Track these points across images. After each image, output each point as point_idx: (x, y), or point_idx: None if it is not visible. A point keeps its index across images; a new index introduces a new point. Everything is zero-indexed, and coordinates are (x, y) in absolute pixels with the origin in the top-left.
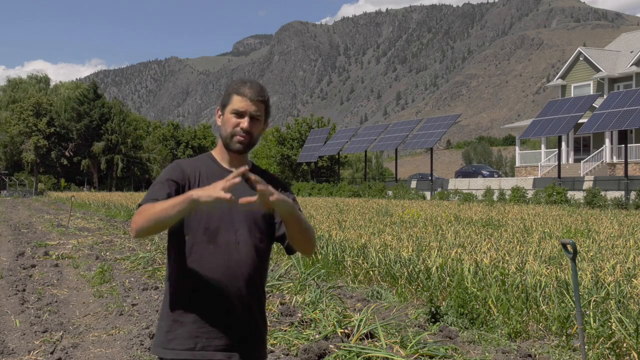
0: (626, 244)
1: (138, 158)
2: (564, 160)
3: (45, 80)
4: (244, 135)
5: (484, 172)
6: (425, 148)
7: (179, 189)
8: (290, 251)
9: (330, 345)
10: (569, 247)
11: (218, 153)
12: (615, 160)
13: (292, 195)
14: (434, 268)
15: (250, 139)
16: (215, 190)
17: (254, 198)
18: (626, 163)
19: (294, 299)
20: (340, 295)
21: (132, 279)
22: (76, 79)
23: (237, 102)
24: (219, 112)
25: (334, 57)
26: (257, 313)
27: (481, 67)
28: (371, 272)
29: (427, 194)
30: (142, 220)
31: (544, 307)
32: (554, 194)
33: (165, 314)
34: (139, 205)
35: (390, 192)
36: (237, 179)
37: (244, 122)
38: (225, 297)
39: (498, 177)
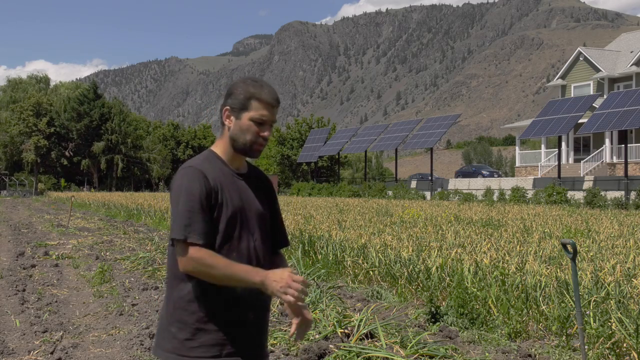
0: (626, 244)
1: (138, 158)
2: (564, 160)
3: (45, 80)
4: (264, 143)
5: (484, 172)
6: (425, 148)
7: (209, 202)
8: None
9: (330, 345)
10: (569, 247)
11: (224, 153)
12: (615, 160)
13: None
14: (434, 268)
15: (265, 145)
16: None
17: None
18: (626, 163)
19: None
20: (340, 295)
21: (132, 279)
22: (76, 79)
23: (259, 110)
24: (228, 113)
25: (334, 57)
26: (269, 314)
27: (481, 67)
28: (371, 272)
29: (427, 194)
30: (197, 271)
31: (544, 307)
32: (554, 194)
33: (182, 322)
34: (173, 239)
35: (390, 192)
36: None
37: (267, 132)
38: (249, 302)
39: (498, 177)
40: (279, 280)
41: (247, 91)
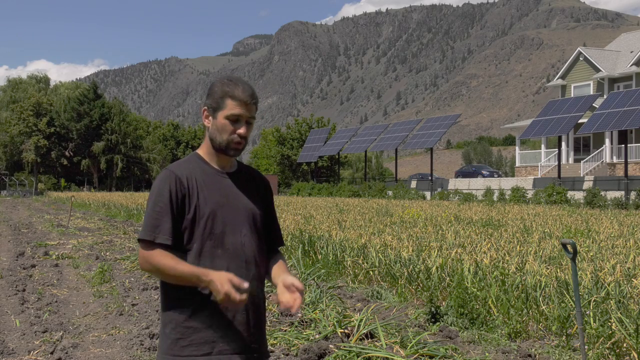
0: (626, 244)
1: (138, 158)
2: (564, 160)
3: (45, 80)
4: (241, 141)
5: (484, 172)
6: (425, 148)
7: (181, 203)
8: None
9: (330, 345)
10: (569, 247)
11: (206, 154)
12: (615, 160)
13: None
14: (434, 268)
15: (245, 143)
16: (230, 291)
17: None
18: (626, 163)
19: None
20: (340, 295)
21: (132, 279)
22: (76, 78)
23: (233, 108)
24: (206, 113)
25: (334, 57)
26: (263, 311)
27: (481, 67)
28: (371, 272)
29: (427, 194)
30: (151, 271)
31: (544, 307)
32: (554, 194)
33: (174, 322)
34: (140, 239)
35: (390, 192)
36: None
37: (242, 129)
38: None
39: (498, 177)
40: (219, 290)
41: (222, 90)
